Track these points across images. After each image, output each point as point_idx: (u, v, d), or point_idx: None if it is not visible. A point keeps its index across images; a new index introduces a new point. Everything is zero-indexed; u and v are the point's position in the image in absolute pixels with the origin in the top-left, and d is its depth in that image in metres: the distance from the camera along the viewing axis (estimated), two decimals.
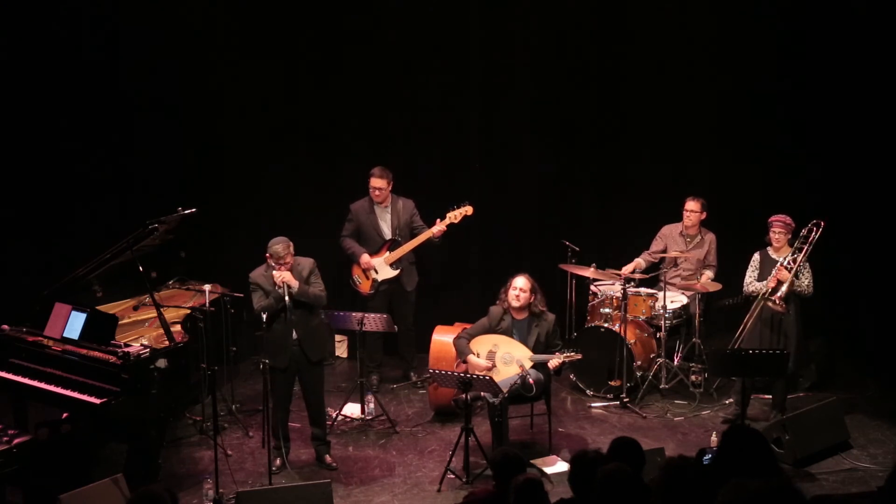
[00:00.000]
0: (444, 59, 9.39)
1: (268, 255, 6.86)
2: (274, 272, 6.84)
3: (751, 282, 7.72)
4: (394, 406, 8.34)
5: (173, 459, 7.27)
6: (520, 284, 7.23)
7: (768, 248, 7.70)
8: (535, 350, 7.17)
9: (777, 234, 7.59)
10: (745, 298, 7.84)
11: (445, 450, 7.34)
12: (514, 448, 5.84)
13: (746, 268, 7.80)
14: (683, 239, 8.60)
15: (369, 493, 6.88)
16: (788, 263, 7.49)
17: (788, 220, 7.59)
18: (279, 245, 6.82)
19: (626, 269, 8.44)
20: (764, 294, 7.52)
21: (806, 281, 7.51)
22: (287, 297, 6.79)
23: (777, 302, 7.45)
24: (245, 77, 9.33)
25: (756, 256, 7.77)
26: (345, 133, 9.47)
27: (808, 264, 7.53)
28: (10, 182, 8.92)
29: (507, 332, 7.27)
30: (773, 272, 7.52)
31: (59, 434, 6.66)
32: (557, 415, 7.96)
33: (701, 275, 8.52)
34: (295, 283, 6.84)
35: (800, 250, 7.51)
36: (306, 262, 7.03)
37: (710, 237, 8.61)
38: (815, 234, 7.50)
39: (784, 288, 7.44)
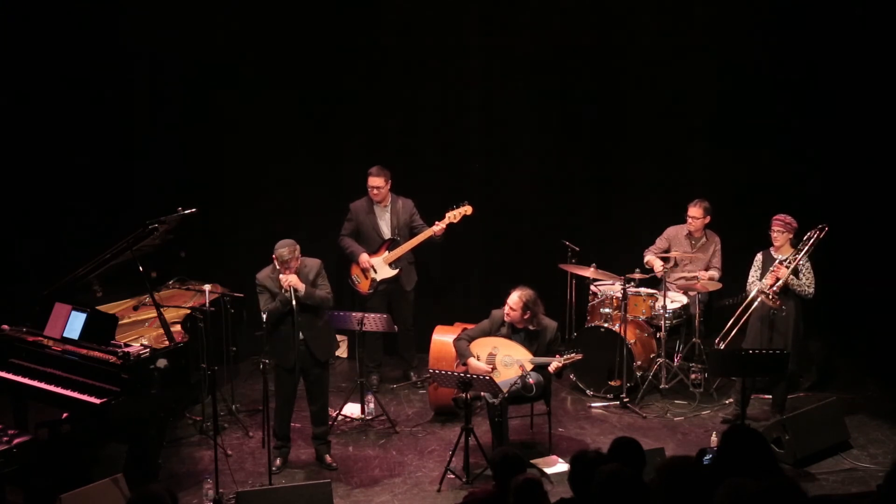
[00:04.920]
0: (443, 58, 9.38)
1: (274, 257, 6.86)
2: (280, 276, 6.83)
3: (752, 281, 7.72)
4: (394, 406, 8.33)
5: (173, 459, 7.27)
6: (511, 302, 7.21)
7: (770, 249, 7.70)
8: (534, 356, 7.17)
9: (775, 232, 7.59)
10: (744, 298, 7.83)
11: (445, 450, 7.34)
12: (514, 448, 5.85)
13: (749, 269, 7.82)
14: (689, 241, 8.59)
15: (369, 493, 6.88)
16: (788, 262, 7.50)
17: (789, 219, 7.59)
18: (284, 249, 6.80)
19: (658, 264, 8.42)
20: (761, 290, 7.53)
21: (806, 280, 7.51)
22: (293, 301, 6.79)
23: (771, 297, 7.45)
24: (245, 77, 9.34)
25: (759, 256, 7.77)
26: (345, 133, 9.47)
27: (809, 265, 7.54)
28: (10, 182, 8.92)
29: (507, 339, 7.28)
30: (771, 269, 7.53)
31: (59, 434, 6.67)
32: (557, 415, 7.95)
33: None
34: (301, 287, 6.83)
35: (801, 251, 7.51)
36: (313, 264, 7.02)
37: (715, 240, 8.59)
38: (818, 236, 7.50)
39: (779, 284, 7.44)
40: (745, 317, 7.66)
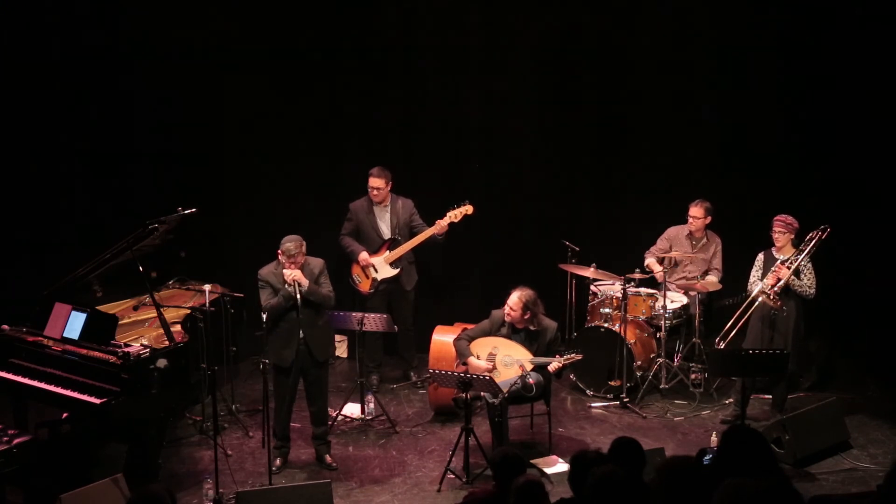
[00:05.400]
0: (444, 58, 9.38)
1: (280, 252, 6.86)
2: (285, 270, 6.83)
3: (754, 281, 7.73)
4: (394, 406, 8.33)
5: (173, 459, 7.27)
6: (511, 302, 7.21)
7: (772, 249, 7.71)
8: (535, 356, 7.17)
9: (777, 233, 7.60)
10: (745, 298, 7.83)
11: (445, 450, 7.34)
12: (514, 448, 5.84)
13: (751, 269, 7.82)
14: (689, 241, 8.59)
15: (369, 493, 6.88)
16: (789, 262, 7.51)
17: (790, 219, 7.59)
18: (292, 243, 6.82)
19: (657, 268, 8.41)
20: (762, 290, 7.54)
21: (808, 281, 7.51)
22: (297, 296, 6.78)
23: (772, 297, 7.45)
24: (245, 76, 9.34)
25: (760, 256, 7.78)
26: (345, 132, 9.47)
27: (811, 265, 7.54)
28: (10, 182, 8.92)
29: (507, 339, 7.28)
30: (773, 269, 7.53)
31: (59, 434, 6.67)
32: (557, 415, 7.95)
33: (702, 277, 8.52)
34: (305, 282, 6.84)
35: (803, 251, 7.52)
36: (316, 263, 7.04)
37: (716, 241, 8.59)
38: (820, 236, 7.50)
39: (780, 284, 7.44)
40: (745, 317, 7.66)
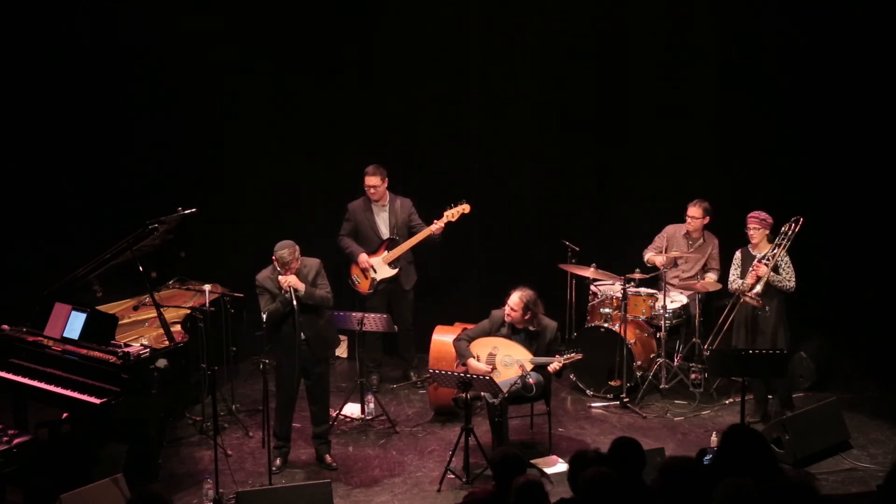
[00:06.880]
0: (444, 58, 9.38)
1: (274, 258, 6.86)
2: (280, 277, 6.83)
3: (734, 279, 7.74)
4: (394, 406, 8.33)
5: (173, 459, 7.27)
6: (512, 302, 7.21)
7: (749, 246, 7.71)
8: (535, 356, 7.17)
9: (752, 230, 7.61)
10: (737, 298, 7.84)
11: (445, 450, 7.34)
12: (514, 448, 5.84)
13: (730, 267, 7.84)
14: (686, 241, 8.59)
15: (369, 493, 6.88)
16: (767, 259, 7.51)
17: (764, 215, 7.60)
18: (285, 251, 6.80)
19: (659, 260, 8.42)
20: (743, 290, 7.54)
21: (786, 275, 7.51)
22: (294, 301, 6.79)
23: (754, 297, 7.45)
24: (245, 77, 9.34)
25: (738, 254, 7.79)
26: (344, 133, 9.47)
27: (788, 259, 7.54)
28: (10, 182, 8.92)
29: (507, 339, 7.28)
30: (751, 268, 7.54)
31: (59, 434, 6.67)
32: (557, 415, 7.95)
33: (702, 277, 8.52)
34: (301, 287, 6.83)
35: (779, 246, 7.52)
36: (312, 264, 7.03)
37: (713, 241, 8.59)
38: (794, 229, 7.51)
39: (762, 283, 7.44)
40: (731, 318, 7.68)
